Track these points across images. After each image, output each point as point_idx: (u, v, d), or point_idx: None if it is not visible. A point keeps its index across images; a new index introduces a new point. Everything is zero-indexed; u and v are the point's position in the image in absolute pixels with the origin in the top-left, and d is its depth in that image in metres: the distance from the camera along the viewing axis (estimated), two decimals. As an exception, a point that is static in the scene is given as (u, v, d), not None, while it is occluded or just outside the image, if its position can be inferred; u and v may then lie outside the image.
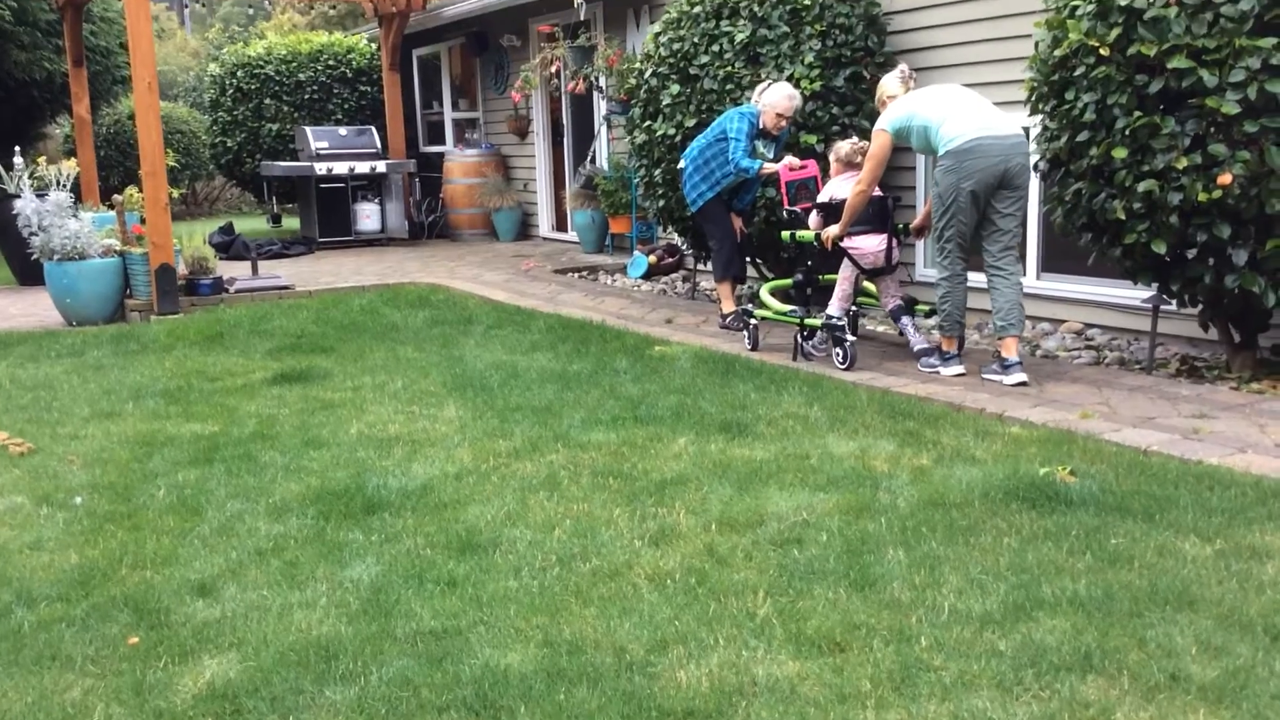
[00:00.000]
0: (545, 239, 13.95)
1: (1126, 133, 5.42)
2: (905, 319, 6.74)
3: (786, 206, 7.06)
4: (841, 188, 6.64)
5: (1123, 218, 5.52)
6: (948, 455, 4.66)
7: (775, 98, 7.25)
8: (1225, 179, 5.15)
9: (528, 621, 3.31)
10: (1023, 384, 5.75)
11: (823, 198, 6.78)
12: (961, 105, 6.05)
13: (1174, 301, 5.89)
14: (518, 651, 3.12)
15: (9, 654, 3.29)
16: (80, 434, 5.69)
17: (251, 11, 31.94)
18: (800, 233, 6.82)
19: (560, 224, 13.83)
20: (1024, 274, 6.23)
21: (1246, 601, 3.18)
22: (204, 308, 9.41)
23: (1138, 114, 5.37)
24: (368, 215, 14.12)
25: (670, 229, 9.37)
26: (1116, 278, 6.64)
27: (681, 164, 7.76)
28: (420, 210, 14.99)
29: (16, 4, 15.11)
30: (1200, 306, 5.86)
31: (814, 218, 6.75)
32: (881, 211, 6.57)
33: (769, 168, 7.19)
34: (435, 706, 2.85)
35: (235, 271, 10.64)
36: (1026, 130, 7.08)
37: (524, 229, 14.26)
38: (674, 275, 10.50)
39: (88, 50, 15.16)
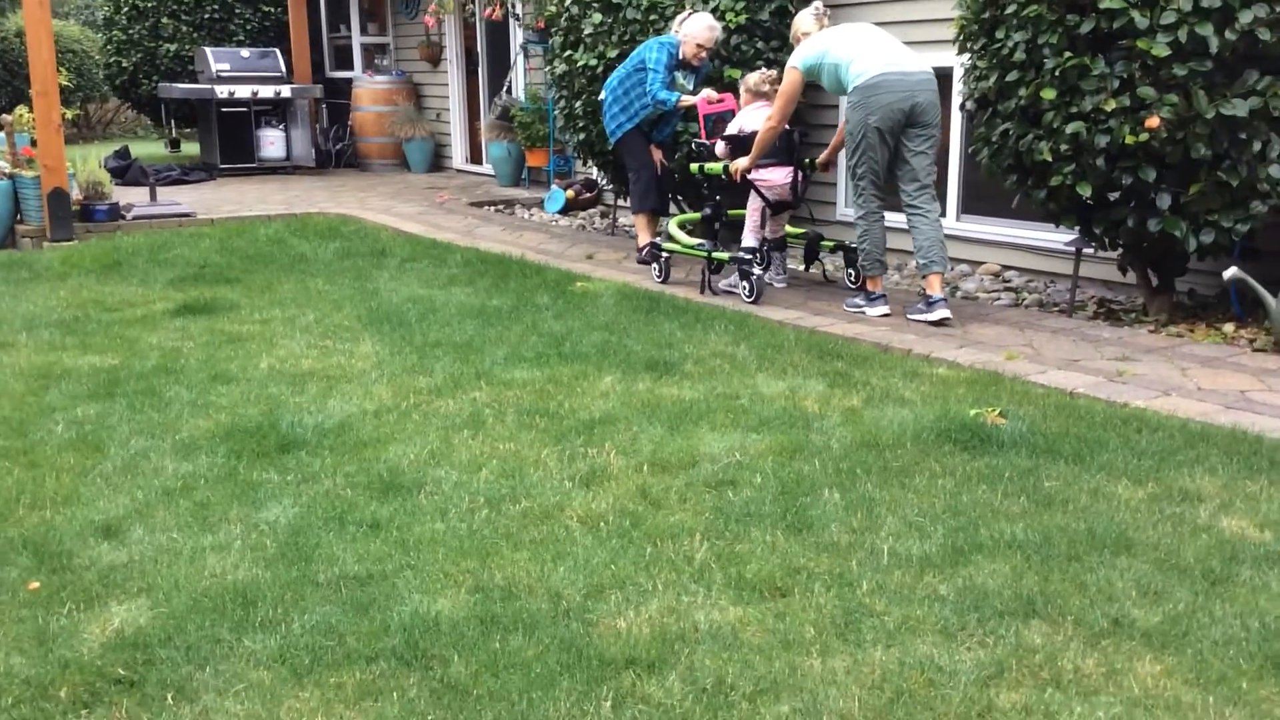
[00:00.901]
0: (459, 171, 13.62)
1: (1056, 73, 5.38)
2: (778, 255, 6.87)
3: (702, 139, 7.02)
4: (751, 119, 6.64)
5: (1049, 159, 5.50)
6: (877, 396, 4.63)
7: (695, 28, 7.11)
8: (1153, 122, 5.15)
9: (457, 566, 3.18)
10: (946, 320, 5.78)
11: (732, 129, 6.77)
12: (870, 43, 6.06)
13: (1095, 245, 5.92)
14: (448, 598, 3.00)
15: (-104, 601, 3.07)
16: (-31, 366, 5.38)
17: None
18: (709, 165, 6.81)
19: (475, 156, 13.49)
20: (942, 213, 6.25)
21: (1182, 545, 3.19)
22: (100, 235, 8.97)
23: (1068, 54, 5.33)
24: (272, 142, 13.58)
25: (590, 163, 9.18)
26: (1035, 220, 6.67)
27: (602, 95, 7.57)
28: (328, 138, 14.50)
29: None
30: (1120, 250, 5.89)
31: (721, 148, 6.73)
32: (788, 145, 6.61)
33: (686, 100, 7.08)
34: (363, 656, 2.72)
35: (132, 198, 10.17)
36: (949, 70, 7.06)
37: (437, 160, 13.88)
38: (592, 210, 10.32)
39: (-31, -40, 14.29)
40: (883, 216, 6.10)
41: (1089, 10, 5.28)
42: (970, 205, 7.42)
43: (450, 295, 6.65)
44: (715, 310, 6.15)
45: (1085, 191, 5.44)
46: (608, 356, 5.26)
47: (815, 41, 6.18)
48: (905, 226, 6.10)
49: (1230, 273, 5.30)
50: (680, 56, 7.13)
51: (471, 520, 3.50)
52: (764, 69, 6.99)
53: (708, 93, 7.05)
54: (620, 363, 5.16)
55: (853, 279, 6.69)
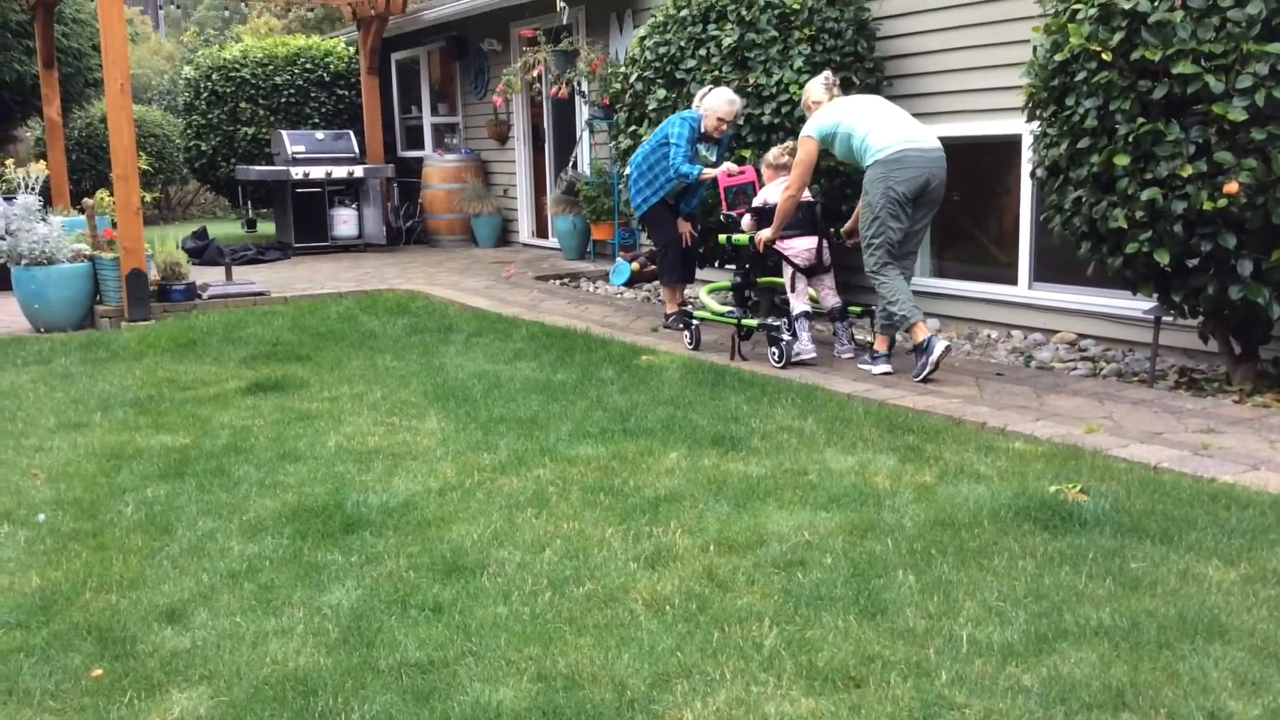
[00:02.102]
0: (525, 245, 13.74)
1: (1129, 139, 5.28)
2: (840, 325, 6.91)
3: (725, 211, 7.22)
4: (774, 192, 6.85)
5: (1124, 227, 5.38)
6: (951, 472, 4.49)
7: (716, 102, 7.27)
8: (1231, 187, 5.02)
9: (520, 652, 3.11)
10: (947, 350, 5.99)
11: (757, 202, 6.98)
12: (884, 116, 6.29)
13: (1174, 313, 5.76)
14: (510, 686, 2.92)
15: (-38, 687, 3.07)
16: (45, 446, 5.46)
17: (227, 14, 31.52)
18: (736, 236, 7.07)
19: (541, 230, 13.62)
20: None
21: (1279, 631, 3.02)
22: (176, 314, 9.16)
23: (1141, 120, 5.23)
24: (345, 220, 13.87)
25: (655, 236, 9.19)
26: (1111, 287, 6.51)
27: (627, 170, 7.73)
28: (398, 216, 14.76)
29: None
30: (1201, 318, 5.72)
31: (747, 220, 6.98)
32: (810, 216, 6.80)
33: (708, 173, 7.26)
34: (422, 748, 2.65)
35: (209, 277, 10.39)
36: (1017, 137, 7.01)
37: (504, 235, 14.05)
38: (657, 283, 10.30)
39: (59, 52, 14.88)
40: (898, 268, 6.25)
41: (1162, 75, 5.18)
42: (1043, 273, 7.28)
43: (515, 370, 6.65)
44: (781, 383, 6.06)
45: (1163, 259, 5.30)
46: (673, 431, 5.20)
47: (828, 111, 6.40)
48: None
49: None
50: (702, 130, 7.33)
51: (534, 603, 3.43)
52: (783, 143, 7.19)
53: (728, 166, 7.24)
54: (686, 438, 5.09)
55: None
